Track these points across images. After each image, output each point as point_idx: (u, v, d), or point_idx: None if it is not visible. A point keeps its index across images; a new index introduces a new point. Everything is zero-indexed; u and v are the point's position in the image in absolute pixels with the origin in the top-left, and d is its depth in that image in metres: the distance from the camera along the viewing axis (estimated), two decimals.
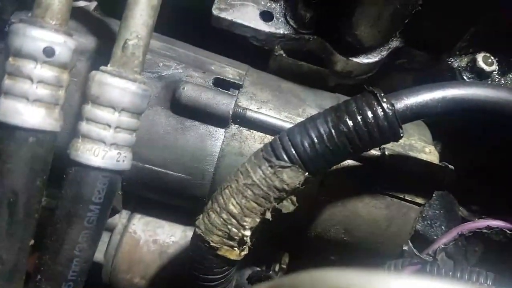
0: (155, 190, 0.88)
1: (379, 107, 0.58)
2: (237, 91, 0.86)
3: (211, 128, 0.83)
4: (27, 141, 0.54)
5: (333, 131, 0.58)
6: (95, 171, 0.59)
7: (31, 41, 0.53)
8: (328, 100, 0.92)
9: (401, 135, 0.60)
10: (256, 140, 0.84)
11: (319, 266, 0.93)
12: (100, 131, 0.58)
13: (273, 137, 0.82)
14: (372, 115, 0.58)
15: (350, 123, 0.58)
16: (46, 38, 0.53)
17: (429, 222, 1.08)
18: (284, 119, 0.84)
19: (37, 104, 0.54)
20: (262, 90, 0.89)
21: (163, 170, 0.83)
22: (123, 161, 0.61)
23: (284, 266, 0.95)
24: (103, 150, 0.58)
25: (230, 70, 0.90)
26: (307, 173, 0.60)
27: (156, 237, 0.96)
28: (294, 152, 0.60)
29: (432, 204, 1.14)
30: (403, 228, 0.85)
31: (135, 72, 0.60)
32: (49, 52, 0.53)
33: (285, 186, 0.60)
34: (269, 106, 0.87)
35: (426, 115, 0.61)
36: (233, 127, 0.84)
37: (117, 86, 0.58)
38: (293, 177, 0.60)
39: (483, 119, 0.67)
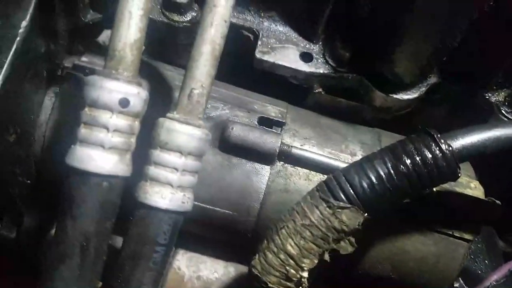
0: (201, 226, 0.89)
1: (437, 148, 0.59)
2: (280, 129, 0.88)
3: (257, 165, 0.85)
4: (101, 186, 0.57)
5: (392, 171, 0.60)
6: (162, 213, 0.61)
7: (107, 93, 0.56)
8: (368, 135, 0.93)
9: (459, 174, 0.61)
10: (301, 177, 0.86)
11: None
12: (168, 175, 0.60)
13: (316, 173, 0.85)
14: (430, 156, 0.59)
15: (409, 163, 0.59)
16: (121, 90, 0.57)
17: (472, 257, 1.07)
18: (328, 156, 0.86)
19: (111, 151, 0.57)
20: (303, 127, 0.91)
21: (210, 206, 0.85)
22: (187, 202, 0.63)
23: None
24: (170, 193, 0.60)
25: (272, 109, 0.92)
26: (366, 214, 0.62)
27: (200, 273, 0.96)
28: (352, 192, 0.61)
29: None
30: (451, 265, 0.85)
31: (199, 119, 0.63)
32: (124, 103, 0.56)
33: (344, 227, 0.61)
34: (311, 143, 0.89)
35: (481, 154, 0.62)
36: (278, 164, 0.86)
37: (185, 132, 0.60)
38: (352, 218, 0.61)
39: None
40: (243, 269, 0.98)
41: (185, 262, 0.97)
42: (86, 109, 0.57)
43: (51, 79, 0.88)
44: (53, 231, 0.92)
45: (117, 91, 0.57)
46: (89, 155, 0.56)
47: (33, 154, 0.86)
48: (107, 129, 0.56)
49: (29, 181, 0.87)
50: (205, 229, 0.91)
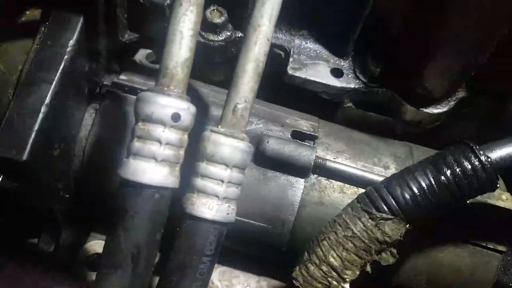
0: (236, 239, 0.90)
1: (476, 159, 0.61)
2: (312, 142, 0.90)
3: (292, 178, 0.87)
4: (153, 198, 0.59)
5: (434, 183, 0.61)
6: (209, 224, 0.63)
7: (161, 108, 0.59)
8: (400, 148, 0.95)
9: (498, 185, 0.62)
10: (335, 190, 0.87)
11: None
12: (214, 187, 0.63)
13: (350, 186, 0.86)
14: (470, 167, 0.60)
15: (449, 175, 0.61)
16: (173, 105, 0.60)
17: (502, 269, 1.06)
18: (361, 168, 0.87)
19: (163, 164, 0.60)
20: (336, 140, 0.93)
21: (245, 219, 0.86)
22: (232, 213, 0.65)
23: None
24: (216, 204, 0.63)
25: (304, 123, 0.95)
26: (407, 225, 0.63)
27: (232, 287, 0.97)
28: (394, 204, 0.62)
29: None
30: (486, 276, 0.85)
31: (242, 132, 0.66)
32: (176, 117, 0.59)
33: (387, 239, 0.62)
34: (344, 156, 0.90)
35: None
36: (312, 177, 0.87)
37: (230, 145, 0.63)
38: (395, 229, 0.62)
39: None
40: (276, 283, 0.99)
41: (218, 276, 0.98)
42: (140, 123, 0.60)
43: (91, 97, 0.92)
44: (88, 245, 0.96)
45: (170, 106, 0.59)
46: (143, 168, 0.59)
47: (73, 169, 0.89)
48: (160, 142, 0.59)
49: (68, 196, 0.90)
50: (239, 243, 0.92)
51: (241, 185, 0.67)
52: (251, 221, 0.86)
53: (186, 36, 0.60)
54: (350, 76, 0.97)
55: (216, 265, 1.00)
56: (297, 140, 0.88)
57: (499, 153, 0.63)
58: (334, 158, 0.89)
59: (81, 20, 0.78)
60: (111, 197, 0.65)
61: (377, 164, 0.90)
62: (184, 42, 0.60)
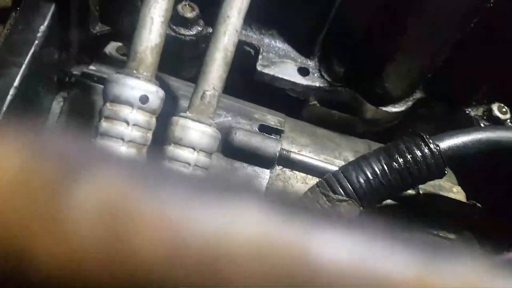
0: None
1: (426, 147, 0.66)
2: (278, 136, 0.94)
3: (258, 169, 0.90)
4: None
5: (386, 168, 0.66)
6: None
7: (129, 90, 0.61)
8: (360, 145, 1.00)
9: (445, 172, 0.67)
10: (299, 180, 0.91)
11: None
12: (181, 169, 0.65)
13: (312, 177, 0.90)
14: (420, 154, 0.66)
15: (401, 161, 0.66)
16: (141, 87, 0.62)
17: None
18: (323, 161, 0.91)
19: (130, 145, 0.61)
20: (301, 135, 0.98)
21: None
22: None
23: None
24: None
25: (271, 118, 0.99)
26: (361, 208, 0.67)
27: None
28: (350, 187, 0.67)
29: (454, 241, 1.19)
30: None
31: (210, 118, 0.68)
32: (143, 99, 0.61)
33: None
34: (308, 149, 0.95)
35: (465, 155, 0.69)
36: (277, 168, 0.91)
37: (198, 129, 0.65)
38: (350, 210, 0.66)
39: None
40: None
41: None
42: (108, 104, 0.62)
43: (60, 86, 0.92)
44: None
45: (138, 88, 0.62)
46: (110, 147, 0.60)
47: None
48: (127, 123, 0.61)
49: None
50: None
51: (208, 170, 0.69)
52: None
53: (157, 22, 0.63)
54: (315, 75, 1.02)
55: None
56: (264, 133, 0.92)
57: (447, 143, 0.68)
58: (298, 151, 0.93)
59: (53, 7, 0.79)
60: None
61: (338, 157, 0.94)
62: (154, 28, 0.62)
